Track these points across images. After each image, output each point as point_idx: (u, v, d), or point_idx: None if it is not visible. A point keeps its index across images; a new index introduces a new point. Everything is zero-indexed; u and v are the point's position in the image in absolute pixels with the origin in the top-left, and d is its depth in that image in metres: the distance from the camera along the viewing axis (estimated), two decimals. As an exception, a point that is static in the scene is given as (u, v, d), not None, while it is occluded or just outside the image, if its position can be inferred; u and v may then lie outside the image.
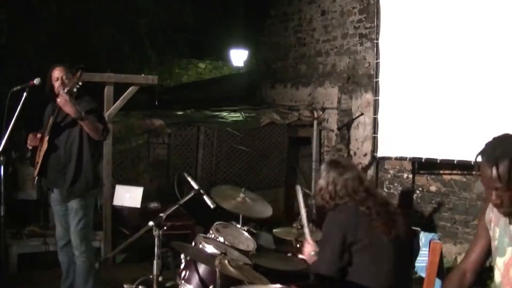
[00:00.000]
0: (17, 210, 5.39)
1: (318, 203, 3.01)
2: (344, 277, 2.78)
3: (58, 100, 3.69)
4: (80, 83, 3.78)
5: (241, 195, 3.96)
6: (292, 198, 7.83)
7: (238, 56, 11.64)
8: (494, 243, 2.18)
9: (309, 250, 3.10)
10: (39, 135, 3.91)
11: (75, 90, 3.76)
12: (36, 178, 4.00)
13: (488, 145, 2.03)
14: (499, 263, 2.14)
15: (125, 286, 3.31)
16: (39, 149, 3.93)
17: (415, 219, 6.07)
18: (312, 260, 3.03)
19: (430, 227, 5.99)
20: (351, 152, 7.35)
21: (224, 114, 7.61)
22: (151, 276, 2.85)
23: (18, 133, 5.53)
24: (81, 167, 3.91)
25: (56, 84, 3.85)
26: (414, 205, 6.29)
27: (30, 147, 3.96)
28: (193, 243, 3.22)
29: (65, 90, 3.70)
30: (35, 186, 5.56)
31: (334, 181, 2.87)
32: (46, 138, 3.85)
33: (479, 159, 2.01)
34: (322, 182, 2.93)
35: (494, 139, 2.05)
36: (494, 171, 1.94)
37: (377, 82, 6.06)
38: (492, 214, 2.22)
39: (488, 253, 2.26)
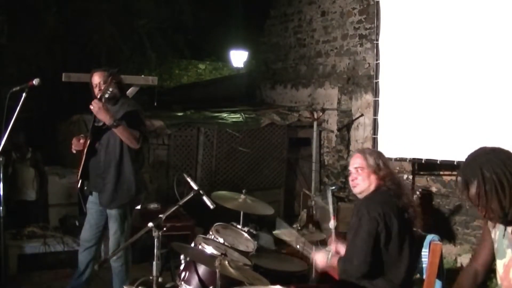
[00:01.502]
0: (17, 211, 5.38)
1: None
2: (373, 271, 2.74)
3: (91, 107, 3.61)
4: (110, 90, 3.63)
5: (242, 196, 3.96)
6: (292, 198, 7.83)
7: (238, 57, 11.65)
8: (495, 246, 2.18)
9: (320, 256, 3.05)
10: (82, 140, 3.87)
11: (106, 95, 3.63)
12: (80, 181, 3.96)
13: (462, 165, 2.10)
14: (499, 265, 2.14)
15: (124, 286, 3.31)
16: (83, 152, 3.89)
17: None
18: (334, 262, 2.93)
19: (430, 228, 5.98)
20: (351, 153, 7.36)
21: (224, 115, 7.61)
22: (151, 277, 2.84)
23: (18, 134, 5.54)
24: (121, 173, 3.83)
25: (96, 90, 3.79)
26: (414, 206, 6.28)
27: (74, 151, 3.93)
28: (192, 244, 3.21)
29: (98, 97, 3.64)
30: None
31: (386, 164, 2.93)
32: (88, 142, 3.82)
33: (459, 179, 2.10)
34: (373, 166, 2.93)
35: (467, 158, 2.10)
36: (466, 192, 2.04)
37: (377, 83, 6.05)
38: (493, 216, 2.23)
39: (493, 253, 2.27)
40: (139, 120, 3.87)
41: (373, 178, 2.90)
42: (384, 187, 2.86)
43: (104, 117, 3.62)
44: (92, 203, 3.99)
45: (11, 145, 5.26)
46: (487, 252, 2.30)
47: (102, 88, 3.71)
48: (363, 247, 2.72)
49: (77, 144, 3.88)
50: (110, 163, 3.82)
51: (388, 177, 2.89)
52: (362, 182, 2.93)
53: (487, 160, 2.01)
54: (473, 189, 2.00)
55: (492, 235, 2.21)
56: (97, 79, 3.81)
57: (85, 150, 3.83)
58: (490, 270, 2.34)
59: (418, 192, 6.24)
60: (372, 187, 2.90)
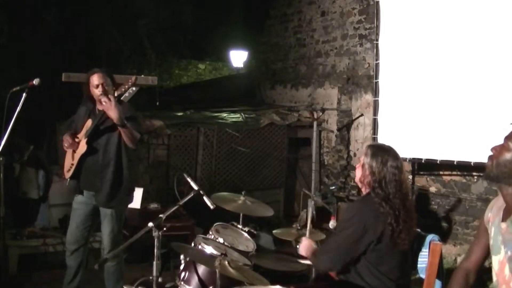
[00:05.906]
0: (19, 211, 5.38)
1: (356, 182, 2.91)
2: (347, 273, 2.77)
3: (104, 103, 3.64)
4: (133, 89, 3.73)
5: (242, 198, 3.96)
6: (292, 198, 7.84)
7: (238, 57, 11.63)
8: (491, 242, 2.21)
9: (306, 243, 3.07)
10: (77, 139, 3.88)
11: (127, 94, 3.74)
12: (68, 180, 3.97)
13: None
14: (495, 261, 2.17)
15: (124, 287, 3.31)
16: (72, 151, 3.91)
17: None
18: (313, 250, 2.98)
19: (429, 228, 5.98)
20: (351, 153, 7.36)
21: (224, 115, 7.61)
22: (150, 277, 2.85)
23: (16, 134, 5.53)
24: (120, 172, 3.86)
25: (97, 91, 3.79)
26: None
27: (66, 150, 3.94)
28: (192, 244, 3.22)
29: (116, 95, 3.68)
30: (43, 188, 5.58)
31: (373, 168, 2.78)
32: (85, 141, 3.83)
33: None
34: (366, 164, 2.81)
35: None
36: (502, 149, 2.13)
37: (376, 83, 6.06)
38: (490, 214, 2.26)
39: (487, 252, 2.30)
40: (139, 124, 3.97)
41: (368, 178, 2.81)
42: (379, 191, 2.73)
43: (115, 115, 3.64)
44: (81, 203, 3.95)
45: (11, 145, 5.26)
46: (480, 251, 2.33)
47: (107, 89, 3.77)
48: (339, 248, 2.72)
49: (73, 143, 3.87)
50: (109, 162, 3.84)
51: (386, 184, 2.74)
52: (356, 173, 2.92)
53: None
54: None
55: (489, 232, 2.23)
56: (98, 80, 3.80)
57: (81, 150, 3.83)
58: (484, 270, 2.36)
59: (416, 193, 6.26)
60: (367, 188, 2.84)
